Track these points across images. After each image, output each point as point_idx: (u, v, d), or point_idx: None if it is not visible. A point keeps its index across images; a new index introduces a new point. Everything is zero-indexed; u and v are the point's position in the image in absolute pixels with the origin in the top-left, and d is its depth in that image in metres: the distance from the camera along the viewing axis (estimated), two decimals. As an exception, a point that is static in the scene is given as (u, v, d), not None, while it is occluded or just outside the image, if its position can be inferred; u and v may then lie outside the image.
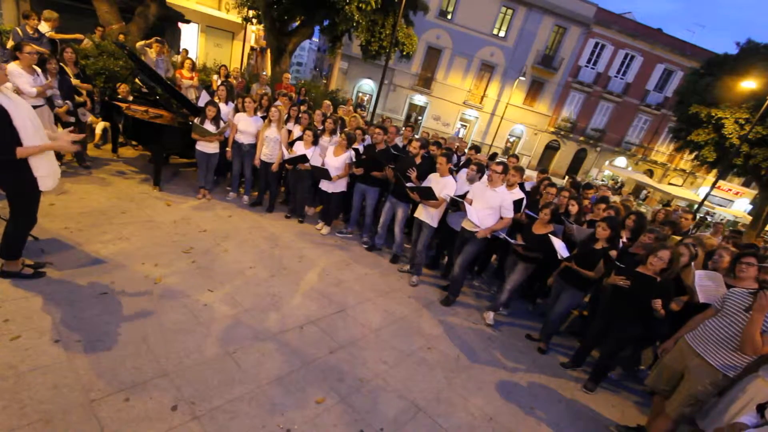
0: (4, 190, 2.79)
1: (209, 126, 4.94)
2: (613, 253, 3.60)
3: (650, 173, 25.56)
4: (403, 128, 6.77)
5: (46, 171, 2.78)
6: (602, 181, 24.69)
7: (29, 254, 3.16)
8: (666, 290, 3.16)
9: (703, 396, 2.67)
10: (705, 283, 3.25)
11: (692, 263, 3.63)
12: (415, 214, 4.69)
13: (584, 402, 3.48)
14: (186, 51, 9.53)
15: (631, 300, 3.29)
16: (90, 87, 5.59)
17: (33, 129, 2.59)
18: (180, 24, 13.14)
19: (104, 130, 6.49)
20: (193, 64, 7.40)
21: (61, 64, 4.85)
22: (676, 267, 3.28)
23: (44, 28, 6.77)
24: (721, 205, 22.42)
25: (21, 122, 2.51)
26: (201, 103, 5.87)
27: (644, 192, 24.06)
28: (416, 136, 5.82)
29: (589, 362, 3.90)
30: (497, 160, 4.47)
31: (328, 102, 7.22)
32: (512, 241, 4.10)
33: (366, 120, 9.33)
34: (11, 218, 2.84)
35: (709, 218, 20.26)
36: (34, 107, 4.17)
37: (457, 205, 4.37)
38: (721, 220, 18.97)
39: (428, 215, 4.52)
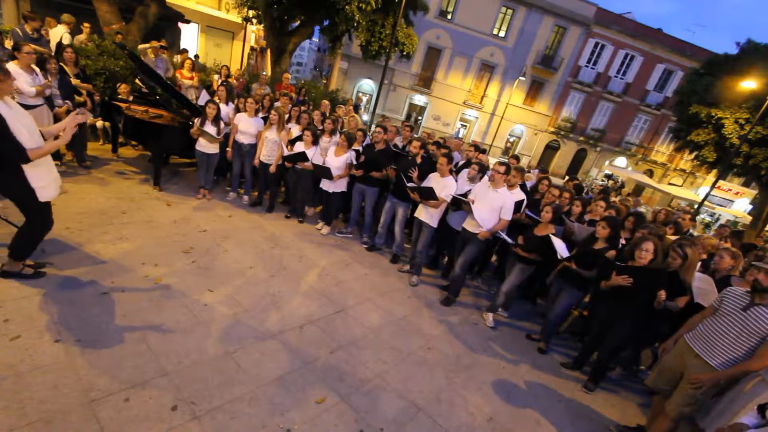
0: (9, 198, 2.78)
1: (210, 126, 4.95)
2: (612, 253, 3.59)
3: (650, 173, 25.55)
4: (403, 128, 6.75)
5: (44, 181, 2.72)
6: (602, 181, 24.67)
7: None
8: (662, 278, 3.19)
9: (703, 395, 2.67)
10: (700, 286, 3.28)
11: (691, 264, 3.62)
12: (415, 214, 4.69)
13: (584, 402, 3.48)
14: (186, 51, 9.55)
15: (634, 297, 3.28)
16: (90, 87, 5.59)
17: (27, 134, 2.55)
18: (180, 24, 13.14)
19: (104, 129, 6.50)
20: (193, 64, 7.40)
21: (61, 64, 4.85)
22: (666, 261, 3.30)
23: (61, 30, 6.91)
24: (721, 205, 22.38)
25: (16, 128, 2.50)
26: (201, 102, 5.87)
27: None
28: (415, 136, 5.82)
29: (589, 362, 3.90)
30: (499, 160, 4.47)
31: (326, 102, 7.22)
32: (511, 241, 4.10)
33: (364, 121, 9.33)
34: (26, 221, 2.84)
35: (709, 218, 20.23)
36: (34, 107, 4.19)
37: (457, 204, 4.37)
38: (732, 224, 18.31)
39: (428, 215, 4.51)
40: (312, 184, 5.41)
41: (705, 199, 11.78)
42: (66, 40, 6.90)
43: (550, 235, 3.83)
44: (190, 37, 15.50)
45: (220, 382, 2.55)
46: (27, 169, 2.62)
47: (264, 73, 10.91)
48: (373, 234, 5.45)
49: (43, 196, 2.75)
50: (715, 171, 14.34)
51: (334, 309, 3.76)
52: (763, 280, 2.54)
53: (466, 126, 25.93)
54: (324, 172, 4.96)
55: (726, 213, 20.66)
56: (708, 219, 20.17)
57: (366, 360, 3.19)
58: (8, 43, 5.78)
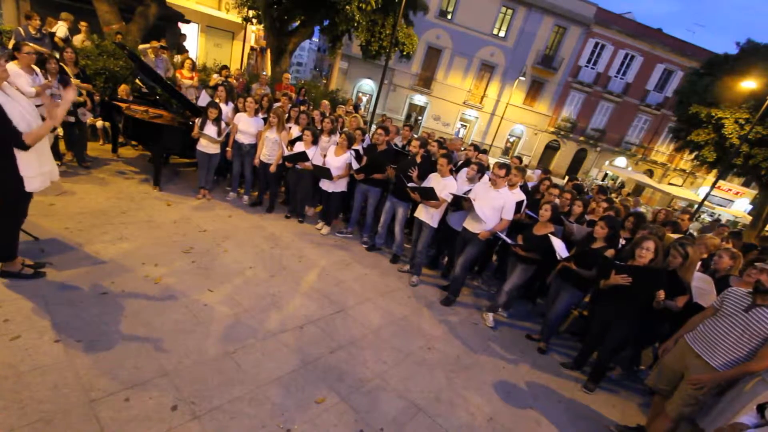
0: None
1: (210, 127, 4.95)
2: (611, 252, 3.59)
3: (650, 173, 25.56)
4: (402, 128, 6.76)
5: (34, 171, 2.68)
6: (602, 181, 24.67)
7: (29, 254, 3.15)
8: (661, 278, 3.18)
9: (704, 396, 2.67)
10: (699, 286, 3.28)
11: (692, 263, 3.62)
12: (416, 214, 4.68)
13: (584, 402, 3.48)
14: (186, 51, 9.57)
15: (634, 296, 3.28)
16: (90, 87, 5.59)
17: (25, 125, 2.52)
18: (180, 24, 13.14)
19: (104, 129, 6.51)
20: (194, 64, 7.40)
21: (61, 64, 4.84)
22: (666, 259, 3.30)
23: (60, 25, 6.93)
24: (721, 205, 22.40)
25: (12, 114, 2.46)
26: (201, 103, 5.87)
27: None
28: (415, 136, 5.82)
29: (589, 362, 3.90)
30: (499, 161, 4.47)
31: (326, 102, 7.22)
32: (511, 242, 4.09)
33: (365, 120, 9.32)
34: (3, 212, 2.74)
35: (709, 218, 20.23)
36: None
37: (458, 204, 4.36)
38: (732, 224, 18.27)
39: (428, 215, 4.51)
40: (312, 184, 5.41)
41: (705, 199, 11.78)
42: (61, 33, 6.90)
43: (549, 235, 3.83)
44: (190, 37, 15.49)
45: (220, 382, 2.55)
46: (19, 157, 2.58)
47: (264, 73, 10.89)
48: (373, 234, 5.45)
49: (29, 186, 2.70)
50: (715, 171, 14.35)
51: (334, 309, 3.76)
52: (766, 282, 2.54)
53: (466, 126, 25.93)
54: (323, 172, 4.96)
55: (726, 213, 20.67)
56: (708, 219, 20.16)
57: (366, 360, 3.19)
58: (11, 43, 5.80)
